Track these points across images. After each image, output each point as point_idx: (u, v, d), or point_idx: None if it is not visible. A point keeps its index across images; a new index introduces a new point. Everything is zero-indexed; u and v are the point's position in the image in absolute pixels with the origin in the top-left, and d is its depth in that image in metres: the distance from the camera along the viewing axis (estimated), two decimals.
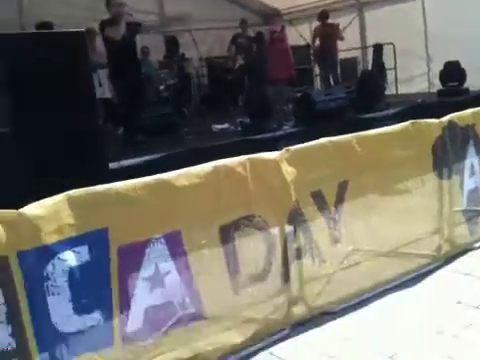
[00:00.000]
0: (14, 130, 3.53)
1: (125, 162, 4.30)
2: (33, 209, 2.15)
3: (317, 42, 9.47)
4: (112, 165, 4.02)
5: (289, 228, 2.94)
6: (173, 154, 4.60)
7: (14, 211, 2.12)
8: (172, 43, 9.15)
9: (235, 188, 2.74)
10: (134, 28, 6.22)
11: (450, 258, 3.65)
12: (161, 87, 8.74)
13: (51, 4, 9.15)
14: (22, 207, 2.16)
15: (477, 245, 3.85)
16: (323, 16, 9.48)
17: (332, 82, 9.37)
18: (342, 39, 9.36)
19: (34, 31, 5.29)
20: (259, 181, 2.83)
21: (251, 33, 9.16)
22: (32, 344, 2.11)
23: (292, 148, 3.04)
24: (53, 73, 3.55)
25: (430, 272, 3.49)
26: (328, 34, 9.28)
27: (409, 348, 2.64)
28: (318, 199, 3.10)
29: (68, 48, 3.66)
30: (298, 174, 2.97)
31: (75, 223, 2.21)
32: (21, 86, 3.53)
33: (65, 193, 2.24)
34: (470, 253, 3.76)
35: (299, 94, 7.38)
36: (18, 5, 9.48)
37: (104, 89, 7.67)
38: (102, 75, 7.19)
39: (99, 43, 8.08)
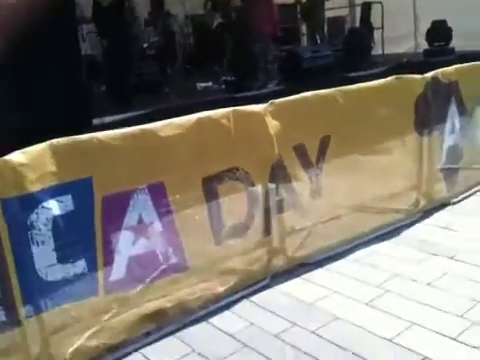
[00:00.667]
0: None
1: (108, 118, 4.25)
2: (17, 156, 2.14)
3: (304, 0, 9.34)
4: (96, 121, 3.98)
5: (271, 181, 2.98)
6: (156, 111, 4.56)
7: None
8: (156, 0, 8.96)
9: (219, 140, 2.75)
10: None
11: (427, 213, 3.75)
12: (145, 45, 8.60)
13: None
14: (4, 155, 2.15)
15: (454, 200, 3.95)
16: None
17: (319, 41, 9.28)
18: None
19: None
20: (243, 133, 2.84)
21: None
22: (16, 293, 2.13)
23: (276, 101, 3.04)
24: (39, 25, 3.44)
25: (407, 226, 3.58)
26: None
27: (385, 296, 2.74)
28: (300, 153, 3.13)
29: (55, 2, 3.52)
30: (282, 127, 2.99)
31: (58, 172, 2.21)
32: (6, 34, 3.41)
33: (48, 141, 2.23)
34: (447, 208, 3.87)
35: (285, 52, 7.30)
36: None
37: (87, 45, 7.53)
38: (85, 30, 7.05)
39: None
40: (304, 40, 10.73)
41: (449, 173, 3.93)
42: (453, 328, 2.38)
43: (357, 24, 10.22)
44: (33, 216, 2.15)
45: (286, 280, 2.98)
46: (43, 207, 2.17)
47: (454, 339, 2.31)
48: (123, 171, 2.41)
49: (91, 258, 2.32)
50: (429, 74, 3.76)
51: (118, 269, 2.43)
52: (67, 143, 2.26)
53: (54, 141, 2.25)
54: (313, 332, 2.46)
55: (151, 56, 8.38)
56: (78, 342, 2.28)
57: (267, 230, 2.97)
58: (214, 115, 2.77)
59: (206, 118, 2.74)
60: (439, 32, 7.80)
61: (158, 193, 2.51)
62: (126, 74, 6.00)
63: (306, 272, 3.05)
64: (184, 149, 2.62)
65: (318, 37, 9.24)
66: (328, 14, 10.06)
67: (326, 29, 9.68)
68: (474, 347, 2.24)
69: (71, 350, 2.26)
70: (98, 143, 2.34)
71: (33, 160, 2.16)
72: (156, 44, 8.53)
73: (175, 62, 9.62)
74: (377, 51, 9.54)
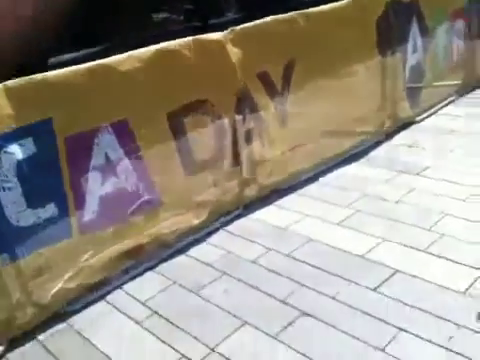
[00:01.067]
0: None
1: (64, 56, 4.08)
2: None
3: None
4: (51, 60, 3.81)
5: (238, 112, 2.93)
6: (113, 46, 4.38)
7: None
8: None
9: (180, 72, 2.67)
10: None
11: (393, 132, 3.81)
12: None
13: None
14: None
15: (419, 119, 4.01)
16: None
17: None
18: None
19: None
20: (205, 63, 2.76)
21: None
22: None
23: (237, 28, 2.94)
24: None
25: (374, 146, 3.64)
26: None
27: (356, 215, 2.82)
28: (265, 80, 3.08)
29: None
30: (244, 55, 2.91)
31: (16, 114, 2.11)
32: None
33: (1, 83, 2.12)
34: (412, 127, 3.94)
35: None
36: None
37: None
38: None
39: None
40: None
41: (412, 92, 3.96)
42: (422, 241, 2.48)
43: None
44: None
45: (259, 208, 3.02)
46: (5, 152, 2.09)
47: (424, 251, 2.41)
48: (84, 110, 2.32)
49: (61, 200, 2.29)
50: None
51: (90, 210, 2.41)
52: (22, 84, 2.15)
53: (8, 82, 2.13)
54: (288, 255, 2.53)
55: None
56: (58, 285, 2.29)
57: (237, 161, 2.96)
58: (174, 46, 2.67)
59: (166, 49, 2.63)
60: None
61: (123, 131, 2.45)
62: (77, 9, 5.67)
63: (278, 199, 3.10)
64: (145, 83, 2.53)
65: None
66: None
67: None
68: (443, 257, 2.34)
69: (52, 293, 2.27)
70: (55, 82, 2.23)
71: None
72: None
73: None
74: None
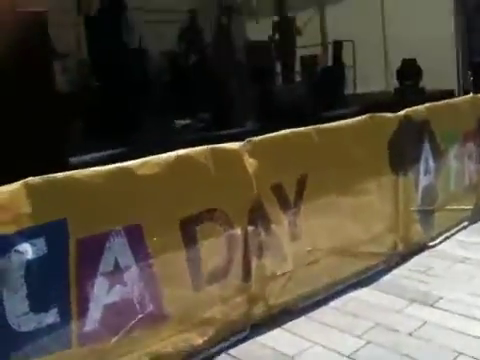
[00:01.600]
0: None
1: (86, 157, 4.20)
2: None
3: (276, 36, 9.59)
4: (72, 160, 3.92)
5: (250, 223, 2.91)
6: (132, 149, 4.53)
7: None
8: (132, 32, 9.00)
9: (197, 179, 2.72)
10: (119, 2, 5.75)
11: (405, 256, 3.73)
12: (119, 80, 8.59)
13: None
14: None
15: (431, 244, 3.95)
16: (281, 10, 9.62)
17: (290, 78, 9.50)
18: (299, 34, 9.51)
19: None
20: (221, 172, 2.81)
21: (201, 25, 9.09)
22: None
23: (254, 139, 3.03)
24: (14, 55, 3.34)
25: (386, 270, 3.55)
26: (286, 28, 9.41)
27: (367, 347, 2.69)
28: (279, 193, 3.10)
29: (28, 29, 3.42)
30: (259, 166, 2.97)
31: (33, 213, 2.13)
32: None
33: (23, 180, 2.16)
34: (425, 252, 3.85)
35: (260, 90, 7.40)
36: None
37: (64, 80, 7.50)
38: (57, 66, 7.02)
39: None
40: (279, 77, 10.97)
41: (425, 215, 3.94)
42: None
43: (330, 62, 10.49)
44: (5, 260, 2.06)
45: (267, 330, 2.88)
46: (16, 251, 2.08)
47: None
48: (99, 212, 2.34)
49: (64, 306, 2.20)
50: (401, 112, 3.84)
51: (92, 319, 2.30)
52: (42, 182, 2.19)
53: (29, 180, 2.17)
54: None
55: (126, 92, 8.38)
56: None
57: (246, 275, 2.88)
58: (191, 153, 2.75)
59: (184, 156, 2.71)
60: (409, 71, 8.05)
61: (135, 236, 2.43)
62: (107, 110, 5.91)
63: (287, 321, 2.97)
64: (161, 189, 2.57)
65: (289, 74, 9.45)
66: (301, 52, 10.30)
67: (300, 67, 9.90)
68: None
69: None
70: (74, 182, 2.28)
71: (6, 200, 2.09)
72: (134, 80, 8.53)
73: (151, 99, 9.65)
74: (350, 90, 9.78)
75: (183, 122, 6.98)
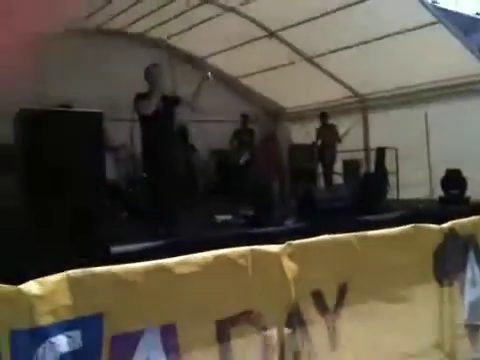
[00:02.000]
0: (22, 204, 3.55)
1: (127, 247, 4.27)
2: (32, 287, 2.11)
3: (319, 142, 9.92)
4: (114, 249, 3.99)
5: (287, 328, 2.85)
6: (172, 242, 4.59)
7: (13, 287, 2.09)
8: (182, 133, 9.45)
9: (235, 281, 2.71)
10: (172, 102, 5.86)
11: None
12: (169, 174, 8.90)
13: (72, 85, 9.63)
14: (20, 282, 2.12)
15: None
16: (323, 117, 10.03)
17: (329, 182, 9.68)
18: (340, 141, 9.81)
19: (54, 108, 5.46)
20: (259, 275, 2.80)
21: (253, 128, 9.50)
22: None
23: (294, 243, 3.03)
24: (68, 150, 3.59)
25: None
26: (328, 135, 9.75)
27: None
28: (318, 299, 3.04)
29: (86, 127, 3.72)
30: (299, 271, 2.95)
31: (71, 305, 2.16)
32: (35, 160, 3.55)
33: (65, 273, 2.21)
34: None
35: (302, 191, 7.49)
36: (42, 86, 9.98)
37: (112, 172, 7.84)
38: (108, 158, 7.36)
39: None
40: (321, 180, 11.12)
41: (473, 330, 3.75)
42: None
43: (372, 167, 10.59)
44: (40, 351, 2.06)
45: None
46: (51, 342, 2.08)
47: None
48: (135, 309, 2.34)
49: None
50: (446, 225, 3.78)
51: None
52: (83, 276, 2.24)
53: (70, 272, 2.23)
54: None
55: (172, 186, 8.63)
56: None
57: None
58: (231, 254, 2.76)
59: (223, 256, 2.72)
60: (454, 181, 8.00)
61: (169, 335, 2.41)
62: (154, 202, 6.04)
63: None
64: (198, 288, 2.57)
65: (328, 178, 9.66)
66: (344, 156, 10.49)
67: (342, 171, 10.05)
68: None
69: None
70: (113, 277, 2.31)
71: (48, 292, 2.13)
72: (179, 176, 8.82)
73: (195, 193, 9.90)
74: (392, 195, 9.76)
75: (224, 218, 7.07)
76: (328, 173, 9.95)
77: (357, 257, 3.24)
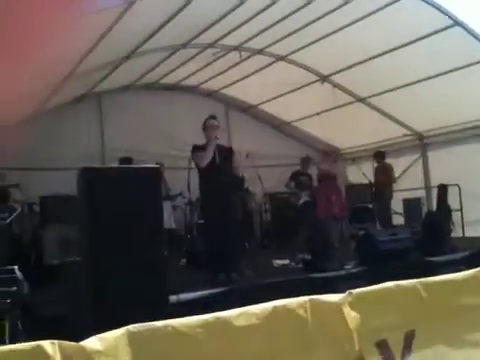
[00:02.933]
0: (85, 258, 3.68)
1: (184, 295, 4.30)
2: (93, 343, 2.14)
3: (375, 181, 9.79)
4: (171, 299, 4.03)
5: None
6: (231, 290, 4.58)
7: (75, 344, 2.12)
8: (238, 178, 9.54)
9: (294, 332, 2.63)
10: (226, 153, 6.15)
11: None
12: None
13: (128, 139, 10.05)
14: (82, 336, 2.16)
15: None
16: (378, 156, 9.90)
17: (387, 222, 9.46)
18: (394, 181, 9.64)
19: (116, 166, 5.74)
20: (319, 325, 2.70)
21: (312, 171, 9.46)
22: None
23: (355, 291, 2.93)
24: (129, 204, 3.74)
25: None
26: (383, 174, 9.60)
27: None
28: (383, 350, 2.89)
29: (145, 181, 3.89)
30: (362, 320, 2.82)
31: None
32: (100, 215, 3.70)
33: (125, 328, 2.22)
34: None
35: (362, 232, 7.33)
36: (101, 140, 10.50)
37: (171, 219, 8.02)
38: (166, 206, 7.55)
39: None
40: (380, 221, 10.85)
41: None
42: None
43: (434, 205, 10.24)
44: None
45: None
46: None
47: None
48: None
49: None
50: None
51: None
52: (143, 330, 2.24)
53: (131, 327, 2.24)
54: None
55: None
56: None
57: None
58: (290, 304, 2.69)
59: (282, 307, 2.65)
60: None
61: None
62: (210, 248, 6.08)
63: None
64: (258, 340, 2.51)
65: (391, 218, 9.45)
66: (404, 195, 10.23)
67: (403, 210, 9.80)
68: None
69: None
70: (173, 331, 2.30)
71: (109, 347, 2.14)
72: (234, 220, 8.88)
73: (252, 238, 9.89)
74: (457, 233, 9.36)
75: (282, 262, 7.00)
76: (386, 212, 9.71)
77: (423, 304, 3.09)
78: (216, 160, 5.95)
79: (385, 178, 9.58)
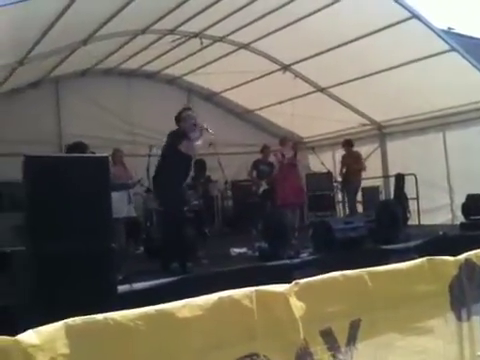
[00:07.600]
0: (29, 248, 3.60)
1: (136, 285, 4.26)
2: (29, 336, 2.09)
3: (344, 169, 9.87)
4: (121, 288, 3.98)
5: None
6: (184, 279, 4.56)
7: (9, 338, 2.07)
8: (200, 166, 9.49)
9: (239, 322, 2.64)
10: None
11: None
12: (185, 208, 8.94)
13: (86, 125, 9.85)
14: (27, 328, 2.11)
15: None
16: (347, 144, 9.98)
17: (354, 210, 9.56)
18: (364, 169, 9.70)
19: (62, 154, 5.63)
20: (265, 316, 2.72)
21: (272, 161, 9.50)
22: None
23: (301, 281, 2.95)
24: (74, 194, 3.69)
25: None
26: (352, 162, 9.69)
27: None
28: (328, 338, 2.94)
29: (92, 171, 3.83)
30: (307, 310, 2.86)
31: (70, 354, 2.13)
32: (44, 203, 3.64)
33: (63, 321, 2.18)
34: None
35: (318, 221, 7.42)
36: (58, 126, 10.27)
37: (131, 207, 7.92)
38: (125, 194, 7.45)
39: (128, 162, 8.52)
40: (339, 208, 10.99)
41: None
42: None
43: (391, 194, 10.45)
44: None
45: None
46: None
47: None
48: (135, 356, 2.29)
49: None
50: (462, 256, 3.66)
51: None
52: (81, 323, 2.20)
53: (69, 321, 2.19)
54: None
55: (189, 219, 8.66)
56: None
57: None
58: (236, 295, 2.69)
59: (227, 298, 2.66)
60: (474, 206, 7.84)
61: None
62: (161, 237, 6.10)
63: None
64: (202, 332, 2.50)
65: (351, 207, 9.54)
66: (363, 184, 10.41)
67: (361, 199, 9.95)
68: None
69: None
70: (113, 324, 2.27)
71: (46, 341, 2.10)
72: (196, 207, 8.86)
73: (213, 225, 9.89)
74: (414, 221, 9.59)
75: (239, 251, 7.02)
76: (353, 201, 9.84)
77: (369, 293, 3.15)
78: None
79: (355, 166, 9.66)
